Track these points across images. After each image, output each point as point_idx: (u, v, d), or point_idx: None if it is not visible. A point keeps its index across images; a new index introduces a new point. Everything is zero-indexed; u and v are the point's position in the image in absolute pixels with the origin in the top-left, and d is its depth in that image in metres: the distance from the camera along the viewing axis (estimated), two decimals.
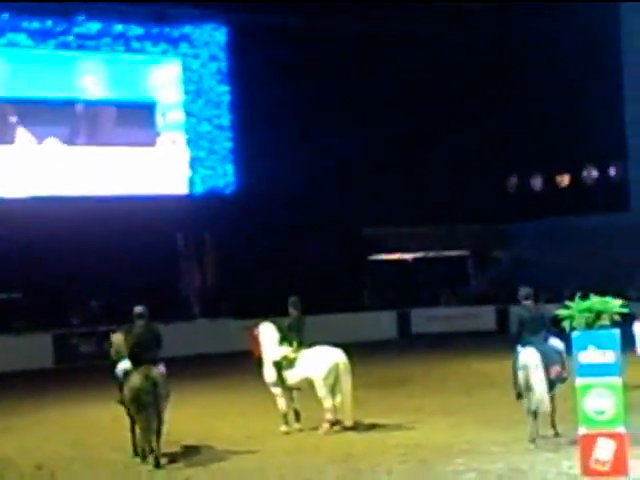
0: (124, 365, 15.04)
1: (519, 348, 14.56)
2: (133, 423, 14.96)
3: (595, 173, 39.74)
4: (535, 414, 14.08)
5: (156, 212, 35.30)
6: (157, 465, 14.06)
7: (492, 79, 38.83)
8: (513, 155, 39.92)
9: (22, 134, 35.80)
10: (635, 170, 37.84)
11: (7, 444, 16.52)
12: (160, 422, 14.35)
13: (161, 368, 14.70)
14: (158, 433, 14.30)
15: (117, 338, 15.62)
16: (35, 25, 35.94)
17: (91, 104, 37.21)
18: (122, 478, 13.55)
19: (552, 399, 14.22)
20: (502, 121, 38.76)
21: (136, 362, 14.71)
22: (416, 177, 38.84)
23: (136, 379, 14.40)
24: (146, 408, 14.27)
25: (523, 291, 14.78)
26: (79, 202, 35.06)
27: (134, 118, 37.81)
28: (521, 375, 14.33)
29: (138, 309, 15.28)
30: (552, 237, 36.76)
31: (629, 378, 14.36)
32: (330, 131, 37.61)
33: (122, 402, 14.95)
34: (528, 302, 14.54)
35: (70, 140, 36.61)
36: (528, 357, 14.22)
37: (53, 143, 36.28)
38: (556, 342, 14.39)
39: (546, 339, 14.15)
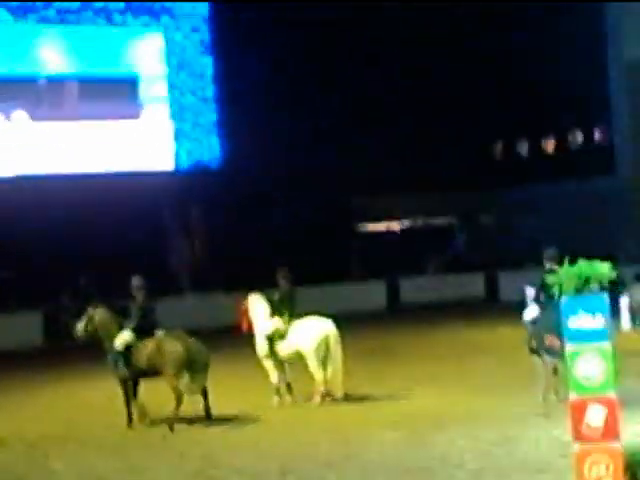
0: (125, 337, 15.32)
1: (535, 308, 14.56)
2: (127, 396, 15.37)
3: (580, 137, 39.71)
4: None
5: (142, 187, 35.20)
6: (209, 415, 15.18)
7: (475, 45, 38.70)
8: (498, 120, 39.81)
9: (4, 111, 35.55)
10: (620, 133, 37.87)
11: None
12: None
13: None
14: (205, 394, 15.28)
15: (101, 313, 15.76)
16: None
17: (72, 78, 36.94)
18: (116, 455, 13.57)
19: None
20: (487, 87, 38.68)
21: (144, 332, 15.29)
22: (403, 145, 38.76)
23: (176, 346, 15.06)
24: (195, 370, 15.07)
25: (547, 253, 14.66)
26: (65, 179, 34.94)
27: (117, 92, 37.52)
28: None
29: (137, 281, 15.72)
30: (539, 203, 36.83)
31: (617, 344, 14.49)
32: (315, 100, 37.50)
33: (124, 375, 15.36)
34: (552, 264, 14.12)
35: (52, 115, 36.38)
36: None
37: (35, 119, 36.05)
38: None
39: None
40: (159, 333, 15.46)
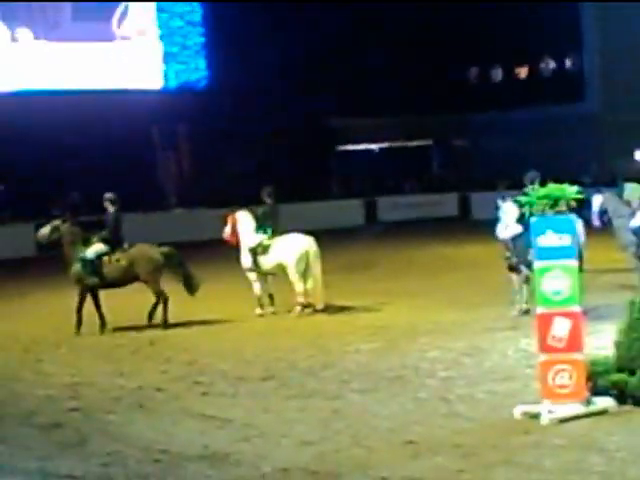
0: (98, 247, 15.63)
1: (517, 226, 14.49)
2: (81, 303, 15.66)
3: (552, 64, 39.52)
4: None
5: (132, 105, 34.84)
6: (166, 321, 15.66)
7: None
8: (474, 47, 39.46)
9: (10, 28, 35.02)
10: (590, 61, 37.67)
11: None
12: None
13: None
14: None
15: (64, 228, 15.97)
16: None
17: (62, 3, 36.23)
18: (105, 360, 13.62)
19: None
20: (463, 16, 38.19)
21: (113, 244, 15.68)
22: (381, 68, 38.40)
23: (153, 254, 15.85)
24: (182, 271, 16.07)
25: (529, 175, 14.53)
26: (60, 96, 34.44)
27: (105, 14, 36.86)
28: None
29: (109, 195, 16.06)
30: (512, 127, 36.69)
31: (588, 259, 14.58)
32: (299, 24, 37.00)
33: (93, 283, 15.62)
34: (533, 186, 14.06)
35: (42, 36, 35.78)
36: None
37: (31, 39, 35.47)
38: None
39: None
40: (126, 245, 15.84)
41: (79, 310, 15.60)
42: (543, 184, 10.80)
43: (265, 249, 16.45)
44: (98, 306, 15.71)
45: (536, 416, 9.25)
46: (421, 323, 14.82)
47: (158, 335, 15.12)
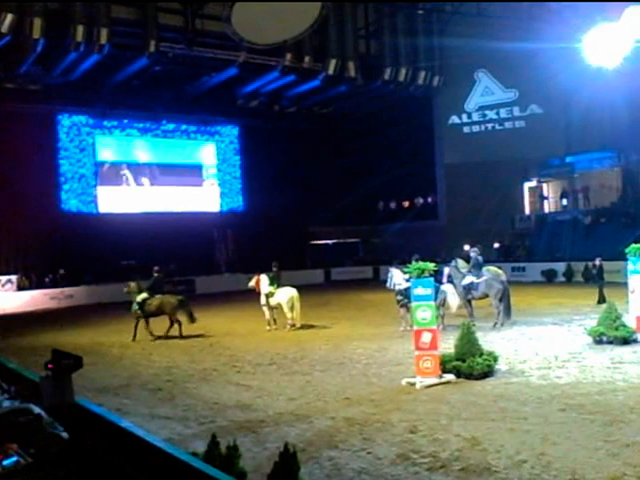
0: (143, 295, 15.35)
1: (407, 284, 14.22)
2: (137, 326, 15.23)
3: (421, 200, 40.10)
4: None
5: (202, 220, 35.07)
6: (181, 334, 15.14)
7: (368, 153, 38.98)
8: (380, 192, 39.99)
9: (130, 179, 35.15)
10: (440, 199, 38.21)
11: (121, 337, 16.08)
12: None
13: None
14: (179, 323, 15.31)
15: (132, 285, 15.78)
16: (140, 125, 35.33)
17: (168, 165, 36.46)
18: (185, 353, 13.36)
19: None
20: (377, 176, 38.67)
21: (155, 293, 15.39)
22: (335, 203, 38.67)
23: (173, 299, 15.37)
24: (188, 310, 15.36)
25: (414, 256, 14.31)
26: (162, 215, 34.47)
27: (191, 172, 37.20)
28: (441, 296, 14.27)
29: (156, 268, 16.09)
30: (401, 233, 37.00)
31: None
32: (290, 180, 37.37)
33: (140, 315, 15.31)
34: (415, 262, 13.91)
35: (155, 183, 35.90)
36: (448, 288, 14.57)
37: (147, 184, 35.59)
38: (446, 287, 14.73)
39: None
40: (158, 295, 15.45)
41: (135, 329, 15.26)
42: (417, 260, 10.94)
43: (272, 294, 16.36)
44: (136, 327, 15.26)
45: (413, 384, 9.19)
46: (353, 334, 14.74)
47: (214, 340, 14.92)
